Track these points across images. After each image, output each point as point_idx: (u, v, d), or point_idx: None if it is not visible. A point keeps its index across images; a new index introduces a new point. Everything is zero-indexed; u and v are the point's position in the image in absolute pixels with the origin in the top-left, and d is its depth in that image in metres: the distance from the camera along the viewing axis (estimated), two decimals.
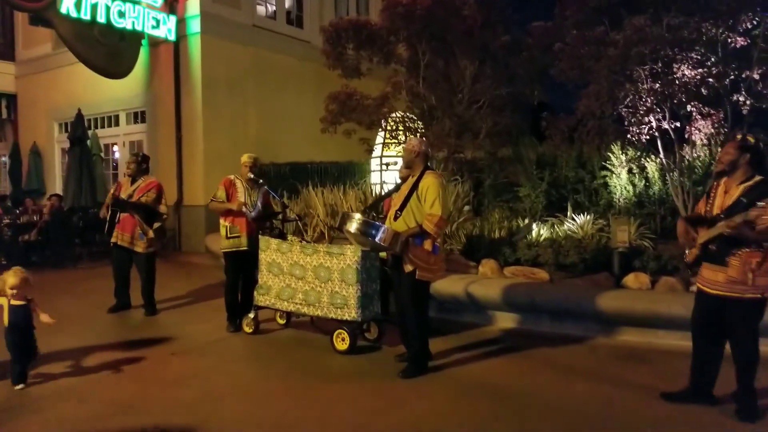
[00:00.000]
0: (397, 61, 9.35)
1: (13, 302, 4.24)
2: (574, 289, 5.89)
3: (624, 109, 6.75)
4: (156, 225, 6.46)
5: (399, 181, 5.68)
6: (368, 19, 9.51)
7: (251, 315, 5.62)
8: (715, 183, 3.89)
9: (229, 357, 5.07)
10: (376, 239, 4.38)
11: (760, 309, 3.69)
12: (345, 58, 9.29)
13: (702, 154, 7.57)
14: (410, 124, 9.12)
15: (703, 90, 6.42)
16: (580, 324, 5.62)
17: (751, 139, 3.75)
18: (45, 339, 5.39)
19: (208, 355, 5.08)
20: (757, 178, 3.63)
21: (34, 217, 10.56)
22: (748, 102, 6.46)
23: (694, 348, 3.96)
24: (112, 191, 6.69)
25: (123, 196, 6.46)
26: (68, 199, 11.19)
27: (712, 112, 6.66)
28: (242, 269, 5.87)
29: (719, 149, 6.89)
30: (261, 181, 5.93)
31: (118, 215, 6.43)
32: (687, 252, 3.92)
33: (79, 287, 8.15)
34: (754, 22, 6.43)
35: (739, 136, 3.82)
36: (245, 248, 5.76)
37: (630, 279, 5.89)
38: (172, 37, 11.54)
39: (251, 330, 5.62)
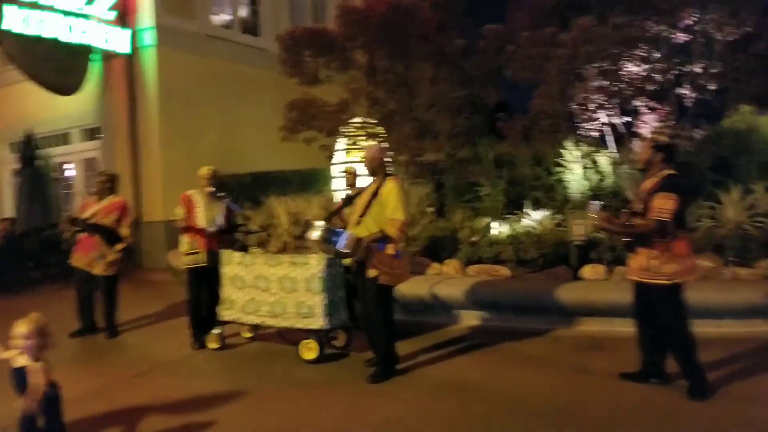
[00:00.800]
0: (355, 68, 9.41)
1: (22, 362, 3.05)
2: (535, 284, 6.06)
3: (575, 107, 6.95)
4: (118, 247, 6.24)
5: (350, 190, 5.77)
6: (325, 27, 9.56)
7: (216, 330, 5.56)
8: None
9: (196, 374, 5.01)
10: (339, 246, 4.42)
11: (673, 294, 3.90)
12: (303, 66, 9.31)
13: None
14: (371, 130, 9.17)
15: (649, 85, 6.66)
16: (543, 317, 5.78)
17: (663, 139, 4.03)
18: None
19: (173, 374, 5.00)
20: (665, 172, 3.92)
21: None
22: (691, 95, 6.72)
23: (637, 331, 4.21)
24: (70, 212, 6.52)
25: (86, 215, 6.26)
26: (21, 221, 10.86)
27: (658, 106, 6.92)
28: (204, 285, 5.76)
29: None
30: (222, 194, 5.86)
31: (78, 235, 6.26)
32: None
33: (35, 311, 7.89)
34: (695, 18, 6.70)
35: (652, 136, 4.11)
36: (205, 264, 5.65)
37: (587, 270, 6.08)
38: (125, 51, 11.35)
39: (217, 346, 5.54)
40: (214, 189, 5.78)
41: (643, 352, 4.18)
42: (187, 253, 5.70)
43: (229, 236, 5.86)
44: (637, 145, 4.08)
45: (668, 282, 3.85)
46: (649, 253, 3.86)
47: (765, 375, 4.22)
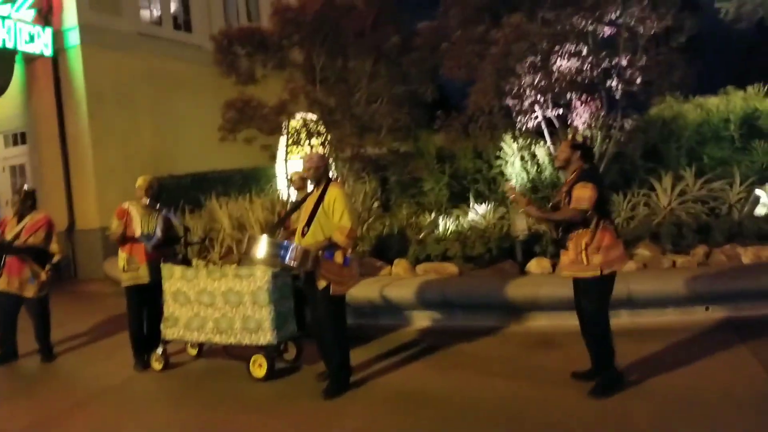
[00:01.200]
0: (292, 66, 9.28)
1: None
2: (482, 281, 6.14)
3: (510, 102, 7.09)
4: (48, 266, 5.95)
5: (295, 193, 5.67)
6: (259, 25, 9.38)
7: (159, 350, 5.33)
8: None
9: (140, 398, 4.83)
10: (286, 260, 4.31)
11: (601, 286, 4.05)
12: (238, 65, 9.12)
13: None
14: (312, 128, 9.10)
15: (579, 79, 6.86)
16: (492, 314, 5.85)
17: (580, 138, 4.36)
18: None
19: (116, 401, 4.76)
20: (581, 165, 4.11)
21: None
22: (619, 87, 6.96)
23: (581, 329, 4.29)
24: None
25: (9, 236, 5.91)
26: None
27: (589, 98, 7.15)
28: (145, 302, 5.53)
29: (599, 132, 7.45)
30: (159, 205, 5.66)
31: (3, 259, 5.88)
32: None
33: None
34: (618, 13, 6.93)
35: (570, 137, 4.36)
36: (146, 280, 5.43)
37: (533, 265, 6.18)
38: (48, 52, 10.80)
39: (161, 366, 5.31)
40: (151, 200, 5.57)
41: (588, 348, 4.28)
42: (125, 270, 5.46)
43: (168, 249, 5.66)
44: (557, 145, 4.33)
45: (597, 274, 3.96)
46: (576, 246, 3.98)
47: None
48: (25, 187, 6.48)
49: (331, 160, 8.48)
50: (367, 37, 8.77)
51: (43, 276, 5.92)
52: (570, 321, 5.35)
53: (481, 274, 6.36)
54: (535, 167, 8.24)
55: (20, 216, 6.04)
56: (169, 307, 5.30)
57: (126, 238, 5.43)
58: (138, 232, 5.43)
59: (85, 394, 4.98)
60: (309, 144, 9.26)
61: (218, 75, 9.55)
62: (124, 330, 5.71)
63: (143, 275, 5.43)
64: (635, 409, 3.78)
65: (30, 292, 5.91)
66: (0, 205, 11.62)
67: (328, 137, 8.92)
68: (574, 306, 5.30)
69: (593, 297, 4.06)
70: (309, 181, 4.83)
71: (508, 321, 5.80)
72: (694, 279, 5.40)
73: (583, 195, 3.90)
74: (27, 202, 6.06)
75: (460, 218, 7.91)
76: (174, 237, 5.72)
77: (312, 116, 9.47)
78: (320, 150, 9.05)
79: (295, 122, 9.16)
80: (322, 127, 9.17)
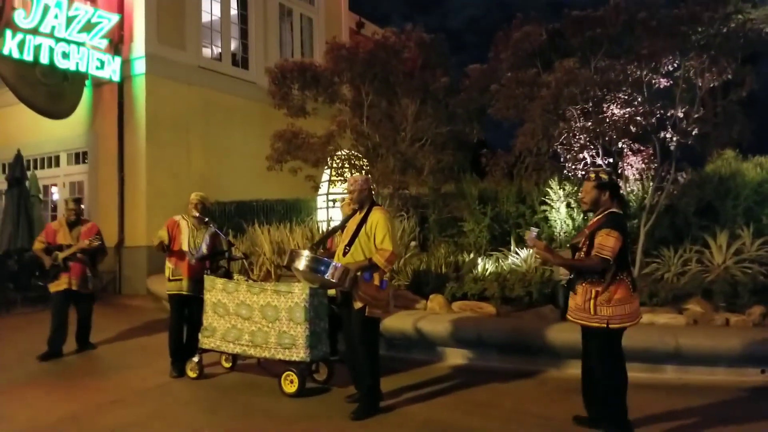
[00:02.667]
0: (341, 101, 9.51)
1: None
2: (522, 323, 5.99)
3: (559, 146, 7.06)
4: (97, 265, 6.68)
5: (342, 218, 5.71)
6: (312, 61, 9.69)
7: (195, 359, 5.46)
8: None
9: (172, 403, 4.89)
10: (326, 276, 4.32)
11: (607, 338, 3.77)
12: (290, 98, 9.39)
13: (635, 188, 7.96)
14: (356, 162, 9.23)
15: (631, 127, 6.79)
16: (528, 358, 5.68)
17: (605, 176, 3.90)
18: None
19: (149, 402, 4.89)
20: (608, 210, 3.83)
21: None
22: (674, 138, 6.86)
23: (582, 375, 4.09)
24: (42, 241, 6.52)
25: (63, 241, 6.44)
26: (4, 241, 10.72)
27: (641, 148, 7.05)
28: (186, 312, 5.72)
29: (651, 183, 7.32)
30: (207, 220, 5.84)
31: (67, 262, 6.42)
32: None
33: (13, 334, 7.76)
34: (675, 65, 6.90)
35: (592, 175, 3.90)
36: (186, 292, 5.60)
37: None
38: (116, 78, 11.42)
39: (195, 374, 5.44)
40: (201, 215, 5.76)
41: (585, 397, 4.08)
42: (170, 279, 5.65)
43: (212, 263, 5.80)
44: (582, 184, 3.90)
45: (602, 326, 3.71)
46: (585, 294, 3.75)
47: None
48: (78, 197, 7.16)
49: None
50: (415, 77, 8.95)
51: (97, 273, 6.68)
52: None
53: (519, 317, 6.22)
54: (581, 214, 8.11)
55: (73, 223, 6.55)
56: (208, 318, 5.40)
57: (172, 250, 5.59)
58: (185, 246, 5.62)
59: (120, 393, 5.12)
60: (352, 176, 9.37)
61: (269, 111, 9.87)
62: (163, 341, 5.88)
63: (184, 287, 5.61)
64: None
65: (87, 289, 6.59)
66: (58, 218, 12.10)
67: (371, 173, 9.01)
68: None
69: (598, 348, 3.83)
70: (353, 204, 4.87)
71: (544, 365, 5.62)
72: (749, 339, 5.14)
73: (607, 243, 3.64)
74: (80, 209, 6.72)
75: (500, 261, 7.80)
76: (219, 251, 5.89)
77: (356, 153, 9.64)
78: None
79: (340, 155, 9.31)
80: (366, 162, 9.29)
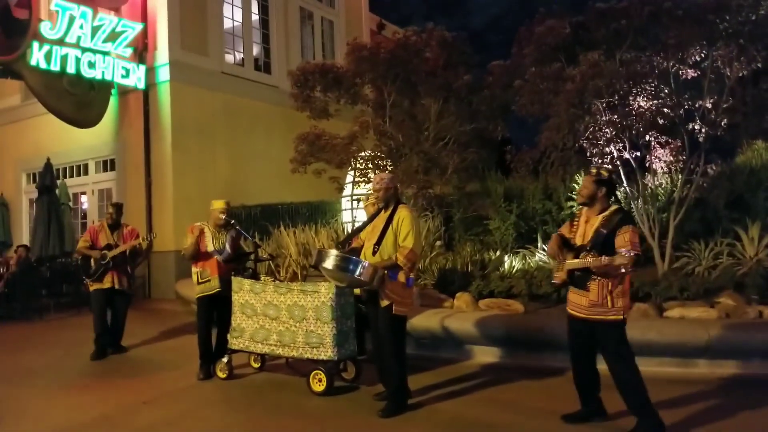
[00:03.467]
0: (363, 102, 9.54)
1: None
2: (550, 320, 5.92)
3: (585, 141, 6.96)
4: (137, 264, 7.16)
5: (367, 217, 5.72)
6: (334, 63, 9.74)
7: (224, 359, 5.52)
8: (579, 211, 4.17)
9: (203, 403, 4.95)
10: (356, 275, 4.31)
11: (621, 329, 3.87)
12: (313, 100, 9.45)
13: (664, 181, 7.81)
14: (379, 162, 9.24)
15: (659, 120, 6.66)
16: (557, 355, 5.59)
17: (605, 173, 3.98)
18: (9, 391, 5.25)
19: (180, 402, 4.95)
20: (613, 207, 3.92)
21: (1, 269, 10.31)
22: (703, 130, 6.71)
23: (573, 373, 4.14)
24: (87, 240, 6.84)
25: (106, 242, 6.77)
26: (35, 248, 10.97)
27: (669, 140, 6.91)
28: (215, 313, 5.79)
29: (680, 176, 7.18)
30: (233, 221, 5.90)
31: (110, 262, 6.71)
32: (554, 274, 4.12)
33: (48, 339, 7.94)
34: (703, 55, 6.75)
35: (593, 171, 4.00)
36: (218, 290, 5.66)
37: None
38: (141, 86, 11.62)
39: (225, 375, 5.49)
40: (226, 218, 5.82)
41: (582, 393, 4.13)
42: (198, 283, 5.72)
43: (238, 263, 5.86)
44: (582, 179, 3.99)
45: (620, 317, 3.81)
46: (603, 289, 3.78)
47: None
48: (116, 201, 7.50)
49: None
50: (438, 76, 8.93)
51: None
52: (648, 366, 5.02)
53: (548, 314, 6.14)
54: None
55: (113, 226, 6.91)
56: (237, 319, 5.45)
57: (199, 254, 5.69)
58: (210, 248, 5.72)
59: (152, 393, 5.19)
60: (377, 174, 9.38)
61: (292, 114, 9.95)
62: (193, 343, 5.93)
63: (215, 285, 5.69)
64: None
65: (129, 288, 6.96)
66: (87, 225, 12.34)
67: (395, 173, 9.01)
68: (647, 351, 5.09)
69: (616, 341, 3.86)
70: (378, 202, 4.86)
71: None
72: None
73: (634, 240, 3.72)
74: (120, 214, 7.02)
75: (527, 258, 7.72)
76: (242, 253, 5.95)
77: (379, 153, 9.65)
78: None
79: (364, 156, 9.33)
80: (389, 162, 9.30)
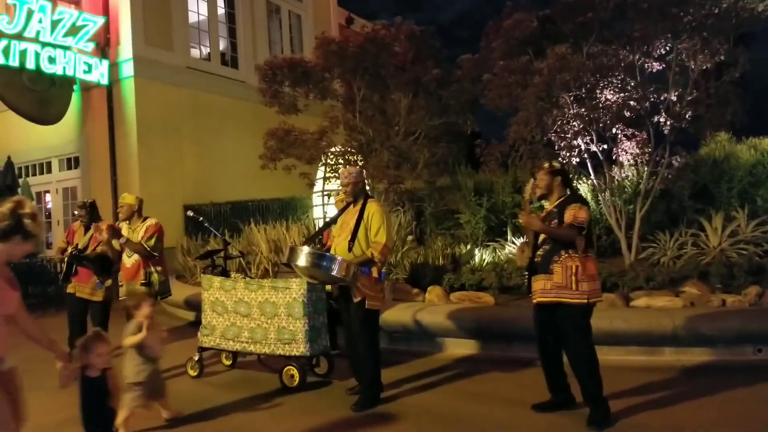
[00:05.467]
0: (333, 97, 9.46)
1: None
2: (521, 311, 5.96)
3: (553, 134, 7.04)
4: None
5: (336, 212, 5.68)
6: (303, 57, 9.63)
7: (195, 357, 5.42)
8: (543, 211, 4.26)
9: (174, 401, 4.82)
10: (331, 271, 4.28)
11: (584, 314, 3.95)
12: (281, 96, 9.33)
13: (630, 173, 7.95)
14: (350, 157, 9.19)
15: (625, 113, 6.78)
16: (529, 346, 5.64)
17: (557, 164, 4.22)
18: None
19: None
20: (567, 193, 4.10)
21: None
22: (668, 122, 6.84)
23: (542, 364, 4.21)
24: (65, 242, 6.11)
25: (80, 245, 5.93)
26: None
27: (636, 133, 7.03)
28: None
29: (645, 168, 7.31)
30: (201, 219, 5.78)
31: (74, 267, 5.92)
32: (518, 260, 4.31)
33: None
34: (668, 48, 6.88)
35: (546, 164, 4.16)
36: None
37: None
38: (104, 81, 11.36)
39: (196, 373, 5.40)
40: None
41: (550, 383, 4.19)
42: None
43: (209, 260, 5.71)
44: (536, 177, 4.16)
45: (585, 301, 3.87)
46: (566, 271, 3.87)
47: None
48: (86, 200, 6.60)
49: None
50: (407, 70, 8.91)
51: (109, 282, 5.87)
52: (608, 355, 5.14)
53: (518, 305, 6.20)
54: None
55: (87, 227, 6.07)
56: (207, 316, 5.37)
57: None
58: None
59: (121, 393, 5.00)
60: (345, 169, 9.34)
61: (260, 109, 9.81)
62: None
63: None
64: None
65: (98, 296, 5.86)
66: (52, 225, 12.02)
67: (365, 168, 8.98)
68: (618, 340, 5.18)
69: (577, 325, 3.93)
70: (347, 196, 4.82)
71: None
72: (745, 319, 5.16)
73: (579, 215, 3.85)
74: (93, 213, 6.14)
75: (497, 251, 7.79)
76: (215, 250, 5.81)
77: (350, 149, 9.60)
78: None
79: (334, 151, 9.27)
80: (360, 158, 9.25)
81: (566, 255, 3.88)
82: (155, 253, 5.52)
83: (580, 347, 3.93)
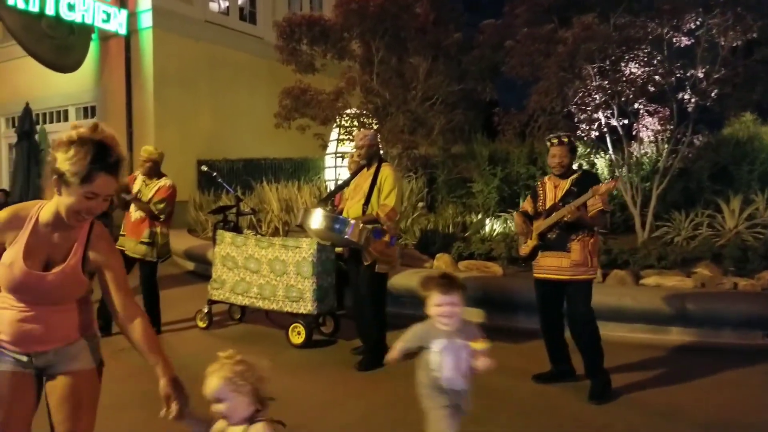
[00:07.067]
0: (351, 57, 9.34)
1: None
2: (527, 283, 5.95)
3: (573, 106, 6.90)
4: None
5: (349, 175, 5.65)
6: (322, 15, 9.47)
7: (205, 309, 5.50)
8: (539, 183, 4.24)
9: (182, 352, 4.90)
10: (346, 236, 4.23)
11: (590, 289, 4.01)
12: (299, 54, 9.22)
13: (649, 150, 7.81)
14: (365, 120, 9.11)
15: (650, 87, 6.62)
16: (533, 317, 5.64)
17: (573, 140, 4.14)
18: None
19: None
20: (581, 170, 4.09)
21: None
22: (693, 99, 6.68)
23: (545, 338, 4.25)
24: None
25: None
26: (15, 193, 10.75)
27: (658, 109, 6.88)
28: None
29: (666, 146, 7.18)
30: (215, 174, 5.73)
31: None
32: (522, 246, 4.22)
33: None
34: (698, 23, 6.67)
35: (566, 139, 4.01)
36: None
37: None
38: (123, 31, 11.26)
39: (204, 325, 5.49)
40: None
41: (553, 355, 4.23)
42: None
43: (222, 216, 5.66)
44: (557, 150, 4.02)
45: (594, 276, 3.94)
46: (584, 248, 3.88)
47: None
48: None
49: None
50: (427, 33, 8.74)
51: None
52: (614, 331, 5.09)
53: (527, 276, 6.16)
54: None
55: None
56: (217, 270, 5.43)
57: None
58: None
59: (120, 345, 5.01)
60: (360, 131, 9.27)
61: (277, 67, 9.70)
62: (174, 294, 5.87)
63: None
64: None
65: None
66: None
67: (380, 131, 8.90)
68: (621, 316, 5.16)
69: (587, 300, 3.96)
70: (360, 159, 4.78)
71: None
72: (754, 303, 5.10)
73: (605, 197, 3.82)
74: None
75: (508, 222, 7.74)
76: (227, 206, 5.74)
77: (365, 111, 9.49)
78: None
79: (349, 113, 9.19)
80: (375, 121, 9.16)
81: (584, 234, 3.91)
82: (161, 216, 5.21)
83: (588, 321, 3.95)
